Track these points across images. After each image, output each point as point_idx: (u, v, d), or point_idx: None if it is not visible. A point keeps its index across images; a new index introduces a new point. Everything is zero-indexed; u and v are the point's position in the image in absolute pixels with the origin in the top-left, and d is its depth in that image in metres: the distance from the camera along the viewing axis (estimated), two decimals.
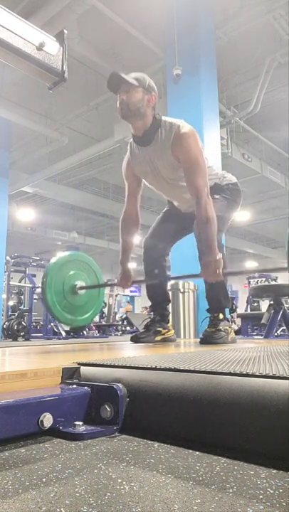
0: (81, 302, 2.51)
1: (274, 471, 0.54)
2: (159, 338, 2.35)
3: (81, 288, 2.46)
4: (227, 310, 2.41)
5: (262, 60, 6.63)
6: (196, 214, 2.03)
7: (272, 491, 0.47)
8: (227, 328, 2.19)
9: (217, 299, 2.25)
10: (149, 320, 2.44)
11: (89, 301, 2.57)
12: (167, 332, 2.41)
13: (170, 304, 2.57)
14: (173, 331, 2.47)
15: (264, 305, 6.17)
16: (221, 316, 2.21)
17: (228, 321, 2.29)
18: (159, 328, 2.38)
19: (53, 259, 2.54)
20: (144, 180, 2.33)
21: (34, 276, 7.55)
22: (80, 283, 2.48)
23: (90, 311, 2.60)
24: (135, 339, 2.34)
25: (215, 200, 2.14)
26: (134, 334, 2.44)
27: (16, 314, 7.40)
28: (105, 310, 9.45)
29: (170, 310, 2.57)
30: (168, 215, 2.51)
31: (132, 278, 2.42)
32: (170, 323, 2.50)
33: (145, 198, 8.98)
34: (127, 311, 12.83)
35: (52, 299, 2.37)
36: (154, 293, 2.48)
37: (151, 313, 2.49)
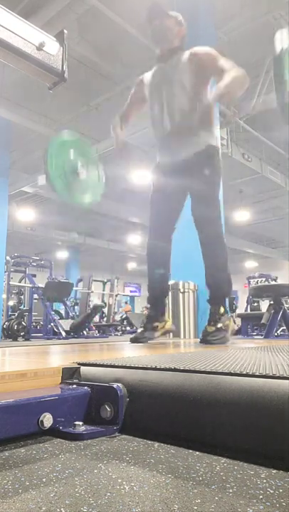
0: (83, 183, 2.51)
1: (274, 471, 0.54)
2: (158, 333, 2.35)
3: (82, 166, 2.45)
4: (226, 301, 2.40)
5: (262, 60, 6.63)
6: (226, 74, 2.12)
7: (272, 491, 0.47)
8: (227, 322, 2.18)
9: (218, 285, 2.24)
10: (145, 319, 2.43)
11: (89, 181, 2.56)
12: (165, 324, 2.40)
13: (167, 297, 2.58)
14: (170, 321, 2.47)
15: (264, 305, 6.17)
16: (221, 309, 2.20)
17: (228, 313, 2.29)
18: (156, 324, 2.37)
19: (52, 139, 2.54)
20: (150, 103, 2.44)
21: (34, 276, 7.55)
22: (79, 163, 2.47)
23: (88, 192, 2.58)
24: (135, 340, 2.32)
25: (216, 161, 2.34)
26: (133, 336, 2.42)
27: (16, 314, 7.40)
28: (105, 310, 9.46)
29: (166, 302, 2.57)
30: (156, 201, 2.46)
31: (125, 145, 2.54)
32: (166, 315, 2.50)
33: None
34: (126, 311, 12.83)
35: (53, 172, 2.36)
36: (155, 288, 2.48)
37: (148, 305, 2.48)
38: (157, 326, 2.36)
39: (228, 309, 2.37)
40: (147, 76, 2.48)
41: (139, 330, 2.41)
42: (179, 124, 2.30)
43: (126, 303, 15.55)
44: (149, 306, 2.46)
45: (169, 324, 2.42)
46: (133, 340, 2.33)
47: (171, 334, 3.00)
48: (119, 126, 2.54)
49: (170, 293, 4.62)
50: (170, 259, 2.48)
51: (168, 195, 2.39)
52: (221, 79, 2.07)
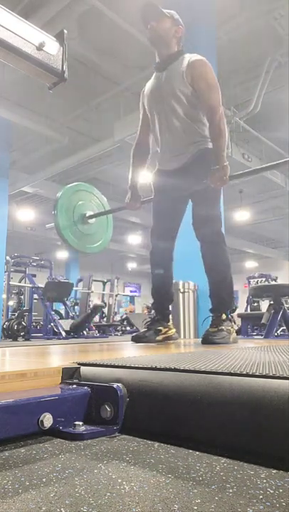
0: (91, 231, 2.52)
1: (274, 471, 0.54)
2: (160, 337, 2.35)
3: (90, 217, 2.47)
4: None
5: (262, 60, 6.63)
6: (210, 127, 2.19)
7: (272, 491, 0.47)
8: (229, 328, 2.19)
9: (221, 298, 2.24)
10: (149, 319, 2.44)
11: (98, 231, 2.58)
12: (168, 331, 2.41)
13: (172, 303, 2.57)
14: (174, 330, 2.47)
15: (264, 305, 6.17)
16: (223, 316, 2.21)
17: (230, 321, 2.29)
18: (159, 327, 2.38)
19: (63, 189, 2.56)
20: (149, 114, 2.42)
21: (34, 276, 7.55)
22: (89, 212, 2.49)
23: (99, 240, 2.60)
24: (136, 339, 2.33)
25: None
26: (135, 334, 2.43)
27: (16, 314, 7.40)
28: (105, 310, 9.45)
29: (170, 310, 2.57)
30: (158, 203, 2.46)
31: (140, 199, 2.47)
32: (171, 322, 2.50)
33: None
34: (130, 311, 12.81)
35: (63, 223, 2.38)
36: (158, 291, 2.48)
37: (152, 312, 2.48)
38: (161, 330, 2.37)
39: (230, 317, 2.38)
40: (147, 87, 2.43)
41: (142, 330, 2.41)
42: (175, 133, 2.31)
43: (129, 303, 15.56)
44: (153, 310, 2.46)
45: (172, 332, 2.42)
46: (134, 339, 2.33)
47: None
48: (134, 175, 2.50)
49: None
50: (172, 262, 2.47)
51: (169, 197, 2.39)
52: (207, 118, 2.17)
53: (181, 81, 2.20)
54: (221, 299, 2.25)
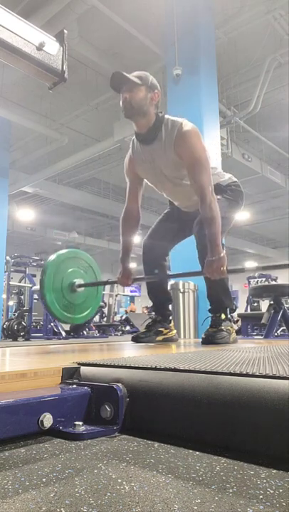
0: (80, 300, 2.50)
1: (274, 471, 0.54)
2: (160, 338, 2.35)
3: (80, 286, 2.45)
4: (227, 310, 2.40)
5: (262, 60, 6.63)
6: (201, 212, 2.01)
7: (272, 491, 0.47)
8: (229, 328, 2.19)
9: (218, 299, 2.24)
10: (150, 320, 2.44)
11: (87, 299, 2.56)
12: (169, 332, 2.41)
13: (171, 304, 2.57)
14: (175, 331, 2.47)
15: (264, 305, 6.17)
16: (222, 316, 2.21)
17: (230, 321, 2.29)
18: (160, 329, 2.38)
19: (51, 257, 2.52)
20: (145, 179, 2.33)
21: (34, 276, 7.55)
22: (78, 281, 2.46)
23: (88, 308, 2.58)
24: (136, 339, 2.33)
25: (217, 200, 2.10)
26: (135, 334, 2.43)
27: (16, 314, 7.40)
28: (105, 310, 9.45)
29: (171, 311, 2.56)
30: (169, 215, 2.50)
31: (132, 276, 2.41)
32: (172, 324, 2.50)
33: (145, 197, 8.98)
34: (131, 311, 12.81)
35: (50, 298, 2.36)
36: (155, 293, 2.48)
37: (152, 313, 2.48)
38: (162, 331, 2.37)
39: (229, 317, 2.37)
40: (136, 157, 2.24)
41: (143, 330, 2.42)
42: (181, 198, 2.31)
43: (132, 303, 15.56)
44: (153, 313, 2.46)
45: (172, 333, 2.42)
46: (134, 339, 2.34)
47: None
48: (124, 245, 2.43)
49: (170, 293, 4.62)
50: (167, 260, 2.47)
51: (183, 219, 2.40)
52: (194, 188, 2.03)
53: (174, 152, 2.04)
54: (220, 301, 2.25)
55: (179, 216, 2.43)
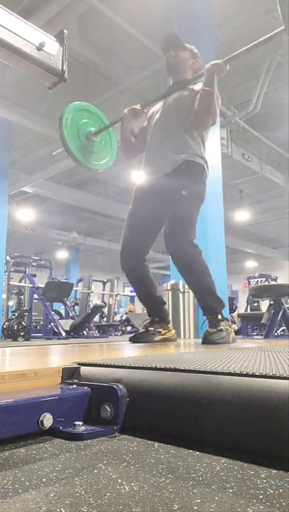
0: (96, 149, 2.51)
1: (274, 471, 0.54)
2: (158, 338, 2.35)
3: (96, 133, 2.46)
4: (227, 310, 2.40)
5: (262, 60, 6.63)
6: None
7: (272, 491, 0.47)
8: (228, 327, 2.19)
9: (209, 305, 2.26)
10: (148, 320, 2.44)
11: (104, 148, 2.56)
12: (167, 332, 2.41)
13: (165, 305, 2.55)
14: (173, 331, 2.47)
15: (264, 305, 6.17)
16: (219, 316, 2.21)
17: (228, 321, 2.29)
18: (159, 329, 2.38)
19: (68, 106, 2.53)
20: (151, 120, 2.46)
21: (34, 276, 7.56)
22: (93, 129, 2.48)
23: (106, 157, 2.59)
24: (134, 339, 2.33)
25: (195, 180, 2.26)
26: (133, 334, 2.42)
27: (16, 314, 7.40)
28: (105, 310, 9.46)
29: (167, 310, 2.56)
30: (134, 214, 2.42)
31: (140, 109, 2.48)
32: (170, 324, 2.50)
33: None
34: (129, 311, 12.81)
35: (68, 137, 2.35)
36: (145, 301, 2.49)
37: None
38: (160, 332, 2.37)
39: (227, 317, 2.37)
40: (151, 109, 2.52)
41: (141, 330, 2.41)
42: (165, 141, 2.33)
43: (130, 302, 15.56)
44: (150, 316, 2.46)
45: (171, 334, 2.42)
46: (132, 339, 2.33)
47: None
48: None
49: (170, 293, 4.62)
50: (147, 268, 2.43)
51: (147, 207, 2.36)
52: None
53: (187, 98, 2.28)
54: (210, 306, 2.25)
55: (144, 205, 2.38)
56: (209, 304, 2.25)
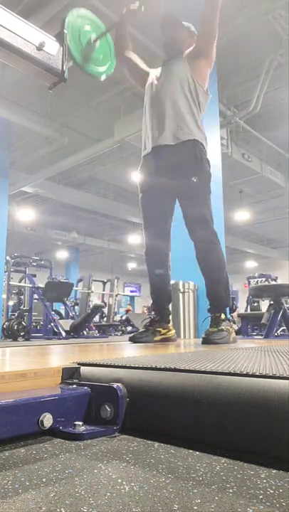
0: (97, 54, 2.54)
1: (274, 471, 0.54)
2: (158, 337, 2.35)
3: (96, 39, 2.48)
4: (227, 310, 2.41)
5: (262, 60, 6.63)
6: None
7: (272, 491, 0.47)
8: (228, 328, 2.19)
9: (219, 296, 2.25)
10: (148, 320, 2.44)
11: (105, 55, 2.59)
12: (167, 332, 2.40)
13: (171, 302, 2.56)
14: (173, 331, 2.47)
15: (264, 305, 6.17)
16: (222, 316, 2.21)
17: (230, 321, 2.30)
18: (158, 328, 2.38)
19: (70, 10, 2.55)
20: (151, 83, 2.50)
21: (34, 276, 7.56)
22: (94, 36, 2.50)
23: (106, 64, 2.62)
24: (134, 339, 2.33)
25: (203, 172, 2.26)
26: (132, 334, 2.42)
27: (16, 314, 7.40)
28: (105, 310, 9.46)
29: (170, 309, 2.56)
30: (147, 201, 2.42)
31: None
32: (171, 324, 2.50)
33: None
34: (126, 311, 12.82)
35: (70, 36, 2.37)
36: (157, 293, 2.47)
37: (152, 312, 2.48)
38: (160, 331, 2.37)
39: (229, 316, 2.38)
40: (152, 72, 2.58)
41: (141, 330, 2.41)
42: (167, 110, 2.33)
43: (129, 304, 15.57)
44: (153, 312, 2.46)
45: (171, 333, 2.42)
46: (132, 339, 2.33)
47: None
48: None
49: None
50: (169, 259, 2.47)
51: (156, 196, 2.37)
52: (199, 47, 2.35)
53: (185, 64, 2.36)
54: (219, 298, 2.25)
55: (154, 186, 2.38)
56: (220, 294, 2.25)
